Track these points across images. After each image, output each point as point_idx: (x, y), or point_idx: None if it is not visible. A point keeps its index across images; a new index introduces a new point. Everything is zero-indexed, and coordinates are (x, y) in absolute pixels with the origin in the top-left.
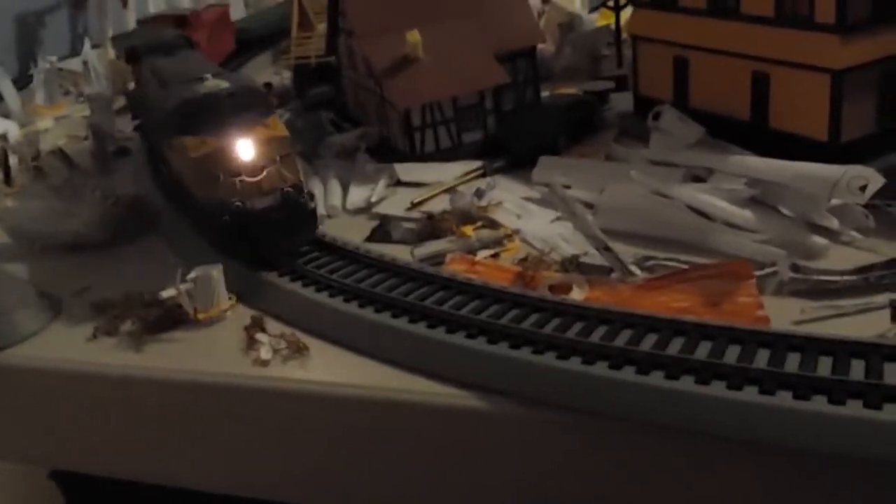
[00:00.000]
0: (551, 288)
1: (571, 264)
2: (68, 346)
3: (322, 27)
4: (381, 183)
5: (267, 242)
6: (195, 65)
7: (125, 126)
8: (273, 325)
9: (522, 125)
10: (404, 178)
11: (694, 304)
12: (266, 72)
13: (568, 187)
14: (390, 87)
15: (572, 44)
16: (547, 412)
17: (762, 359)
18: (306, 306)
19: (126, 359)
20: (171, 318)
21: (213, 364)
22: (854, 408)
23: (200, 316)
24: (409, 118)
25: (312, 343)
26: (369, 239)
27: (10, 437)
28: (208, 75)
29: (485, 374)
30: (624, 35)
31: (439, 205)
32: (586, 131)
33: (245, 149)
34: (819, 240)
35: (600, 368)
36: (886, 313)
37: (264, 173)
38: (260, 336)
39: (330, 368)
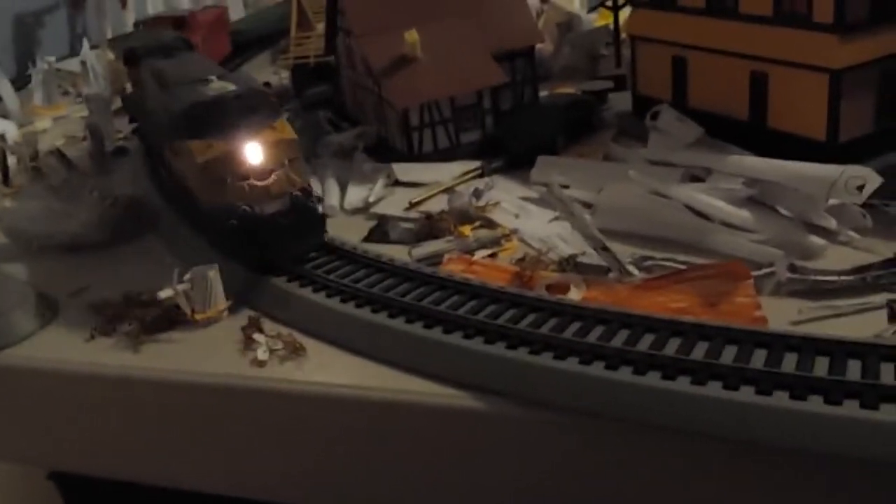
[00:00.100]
0: (549, 288)
1: (569, 264)
2: (66, 346)
3: (321, 27)
4: (379, 183)
5: (276, 247)
6: (198, 67)
7: (124, 126)
8: (270, 326)
9: (521, 125)
10: (402, 177)
11: (691, 304)
12: (265, 71)
13: (566, 187)
14: (388, 87)
15: (571, 43)
16: (544, 412)
17: (759, 359)
18: (303, 306)
19: (124, 359)
20: (169, 319)
21: (211, 364)
22: (851, 408)
23: (198, 316)
24: (408, 118)
25: (309, 343)
26: (367, 239)
27: (8, 438)
28: (213, 77)
29: (482, 374)
30: (622, 35)
31: (437, 205)
32: (584, 131)
33: (253, 152)
34: (817, 240)
35: (597, 369)
36: (883, 313)
37: (273, 177)
38: (257, 336)
39: (327, 369)
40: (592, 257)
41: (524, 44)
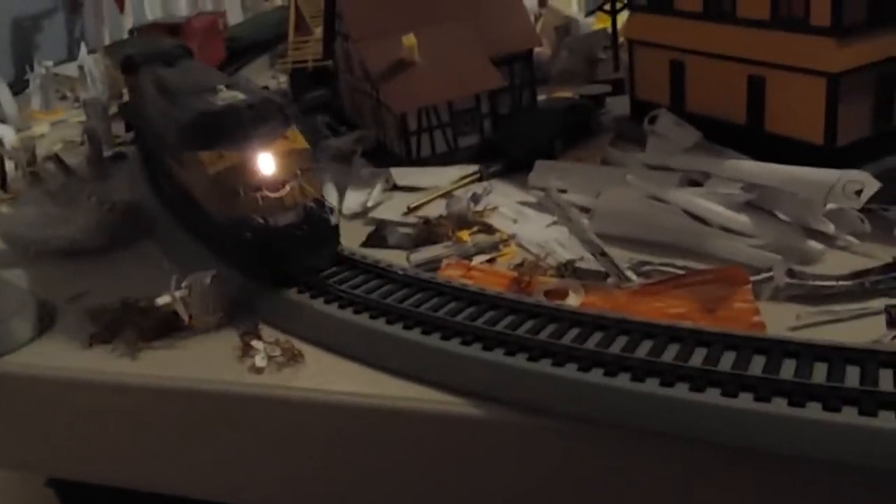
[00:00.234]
0: (547, 293)
1: (567, 269)
2: (64, 353)
3: (319, 31)
4: (378, 187)
5: (290, 260)
6: (204, 75)
7: (122, 131)
8: (268, 333)
9: (519, 129)
10: (400, 182)
11: (690, 309)
12: (263, 75)
13: (564, 191)
14: (386, 91)
15: (569, 47)
16: (542, 419)
17: (757, 365)
18: (301, 313)
19: (121, 366)
20: (167, 325)
21: (209, 371)
22: (849, 415)
23: (195, 323)
24: (406, 122)
25: (307, 350)
26: (365, 244)
27: (6, 445)
28: (221, 86)
29: (480, 380)
30: (620, 39)
31: (435, 209)
32: (582, 135)
33: (266, 163)
34: (815, 244)
35: (595, 375)
36: (882, 318)
37: (286, 188)
38: (255, 343)
39: (325, 375)
40: (591, 262)
41: (522, 48)
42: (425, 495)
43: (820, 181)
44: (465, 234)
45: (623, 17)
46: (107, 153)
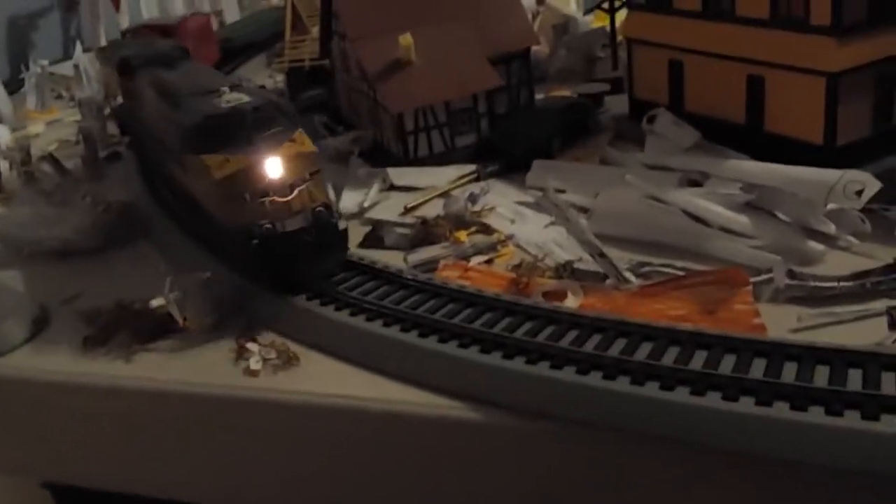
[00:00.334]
0: (545, 295)
1: (566, 270)
2: (58, 356)
3: (315, 30)
4: (375, 187)
5: (299, 266)
6: (206, 77)
7: (117, 131)
8: (264, 335)
9: (516, 128)
10: (397, 182)
11: (690, 311)
12: (260, 75)
13: (562, 191)
14: (383, 91)
15: (567, 46)
16: (541, 423)
17: (758, 369)
18: (296, 315)
19: (116, 369)
20: (162, 328)
21: (204, 374)
22: (852, 419)
23: (190, 325)
24: (403, 122)
25: (303, 353)
26: (362, 244)
27: (0, 449)
28: (225, 88)
29: (478, 384)
30: (619, 37)
31: (433, 209)
32: (581, 135)
33: (274, 167)
34: (815, 245)
35: (595, 378)
36: (883, 320)
37: (294, 192)
38: (250, 346)
39: (320, 378)
40: (589, 263)
41: (520, 46)
42: (423, 499)
43: (820, 181)
44: (462, 235)
45: (622, 15)
46: (102, 153)
